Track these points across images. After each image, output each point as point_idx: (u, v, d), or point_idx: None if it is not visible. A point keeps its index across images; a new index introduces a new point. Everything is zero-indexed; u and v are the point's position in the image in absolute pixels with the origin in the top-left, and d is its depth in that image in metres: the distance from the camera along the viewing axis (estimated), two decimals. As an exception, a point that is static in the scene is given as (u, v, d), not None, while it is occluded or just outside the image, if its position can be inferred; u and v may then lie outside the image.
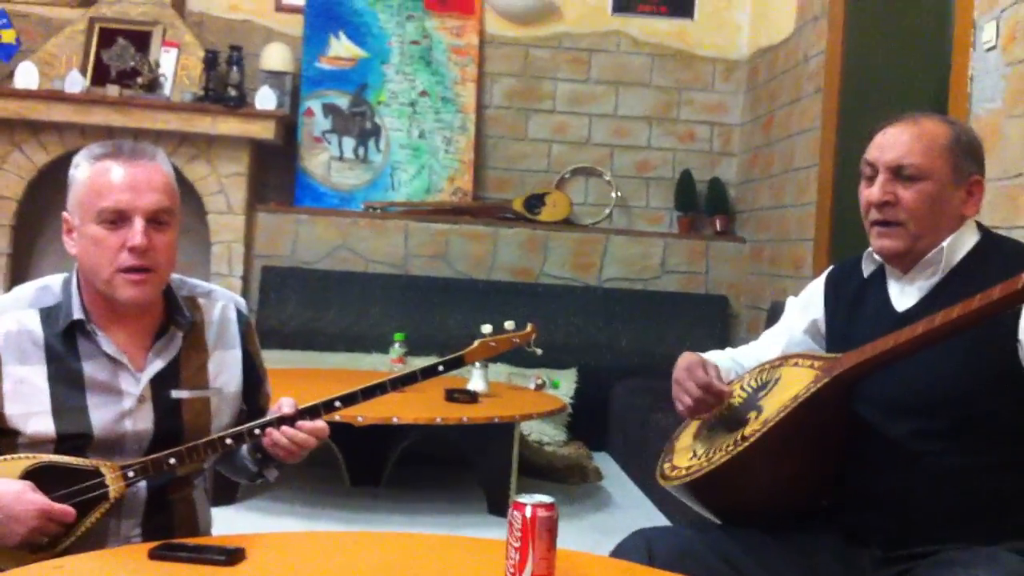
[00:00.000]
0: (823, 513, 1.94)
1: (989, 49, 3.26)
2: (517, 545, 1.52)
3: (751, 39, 5.90)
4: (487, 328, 2.10)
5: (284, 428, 1.78)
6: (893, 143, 1.86)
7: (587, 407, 4.85)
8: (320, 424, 1.81)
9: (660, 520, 3.71)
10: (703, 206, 5.98)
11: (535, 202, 5.86)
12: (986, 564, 1.68)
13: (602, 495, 4.25)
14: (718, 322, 5.74)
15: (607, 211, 5.95)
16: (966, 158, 1.85)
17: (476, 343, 2.03)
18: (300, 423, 1.79)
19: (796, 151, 5.04)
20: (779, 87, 5.37)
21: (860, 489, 1.87)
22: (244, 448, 1.88)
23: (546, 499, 1.55)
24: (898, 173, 1.84)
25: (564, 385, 4.83)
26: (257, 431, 1.79)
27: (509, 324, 2.13)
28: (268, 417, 1.81)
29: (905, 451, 1.81)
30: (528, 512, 1.52)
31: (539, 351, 2.13)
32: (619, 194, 5.97)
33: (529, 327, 2.18)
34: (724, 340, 5.40)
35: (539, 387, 4.32)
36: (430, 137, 5.82)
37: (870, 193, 1.88)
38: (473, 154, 5.83)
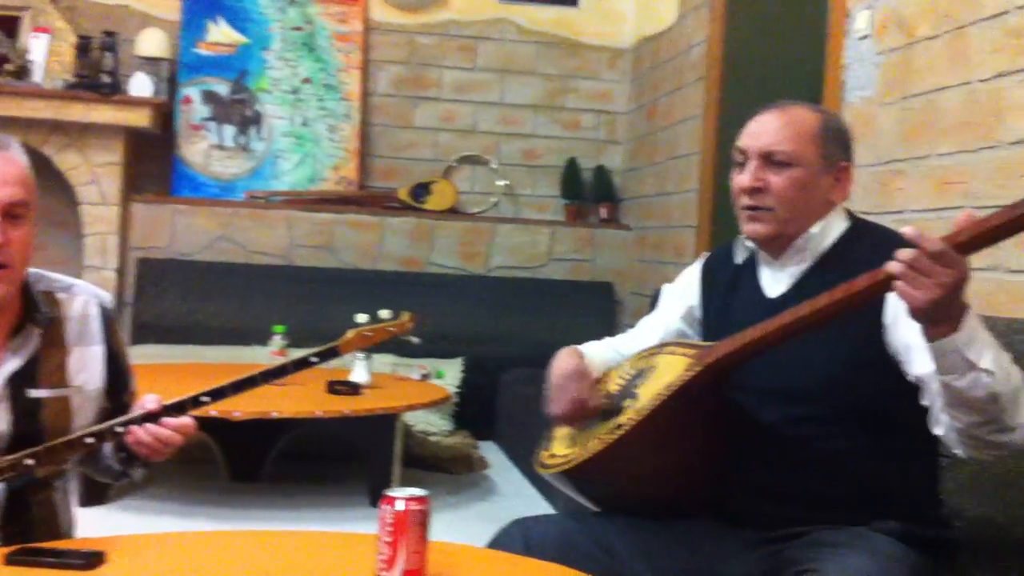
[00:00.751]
0: (699, 498, 1.95)
1: (862, 38, 3.33)
2: (388, 540, 1.48)
3: (636, 28, 5.94)
4: (362, 318, 2.05)
5: (148, 425, 1.71)
6: (763, 130, 1.88)
7: (474, 396, 4.83)
8: (186, 420, 1.74)
9: (546, 508, 3.71)
10: (589, 194, 6.01)
11: (422, 191, 5.81)
12: (855, 544, 1.71)
13: (488, 484, 4.23)
14: (604, 309, 5.78)
15: (494, 200, 5.94)
16: (834, 145, 1.88)
17: (350, 333, 1.98)
18: (165, 420, 1.72)
19: (679, 139, 5.10)
20: (663, 76, 5.42)
21: (735, 474, 1.89)
22: (108, 447, 1.81)
23: (418, 492, 1.52)
24: (768, 159, 1.86)
25: (450, 375, 4.79)
26: (119, 429, 1.72)
27: (385, 313, 2.09)
28: (131, 414, 1.74)
29: (778, 436, 1.83)
30: (399, 506, 1.49)
31: (417, 340, 2.09)
32: (506, 182, 5.96)
33: (405, 316, 2.14)
34: (610, 327, 5.44)
35: (424, 377, 4.28)
36: (314, 125, 5.72)
37: (740, 179, 1.90)
38: (358, 142, 5.74)
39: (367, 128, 5.80)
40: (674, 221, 5.12)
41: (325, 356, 1.90)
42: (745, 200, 1.89)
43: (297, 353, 1.90)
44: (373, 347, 3.85)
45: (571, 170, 5.95)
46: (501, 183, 5.94)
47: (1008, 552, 2.00)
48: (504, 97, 5.96)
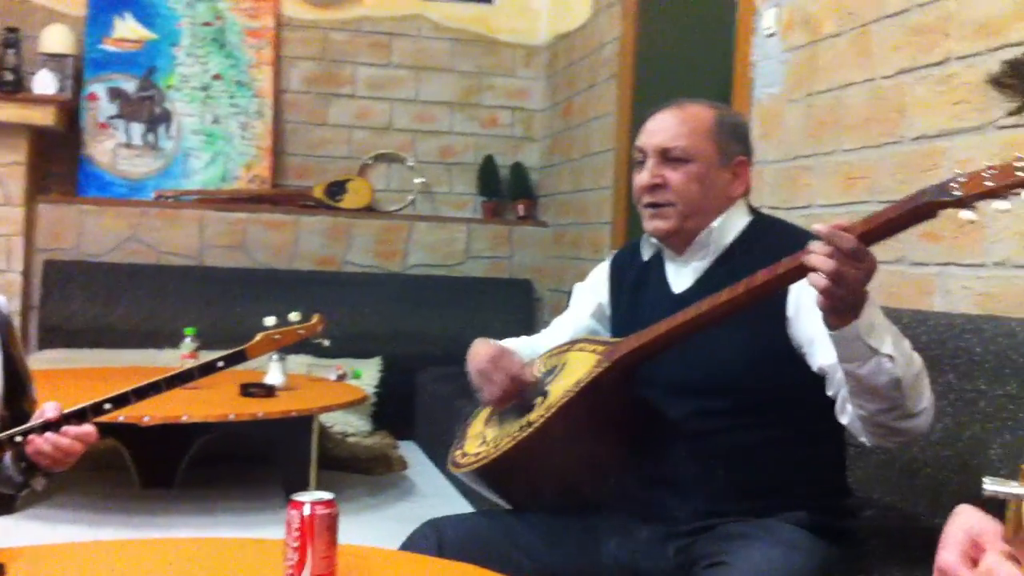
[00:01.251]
0: (611, 492, 1.96)
1: (770, 36, 3.37)
2: (295, 545, 1.46)
3: (550, 25, 5.95)
4: (270, 320, 2.02)
5: (48, 434, 1.66)
6: (660, 128, 1.90)
7: (393, 396, 4.80)
8: (87, 428, 1.69)
9: (466, 508, 3.70)
10: (506, 191, 6.01)
11: (337, 189, 5.75)
12: (763, 535, 1.73)
13: (407, 485, 4.21)
14: (523, 306, 5.79)
15: (410, 197, 5.90)
16: (731, 140, 1.91)
17: (259, 336, 1.95)
18: (65, 428, 1.67)
19: (594, 136, 5.12)
20: (577, 73, 5.43)
21: (645, 468, 1.90)
22: (7, 457, 1.75)
23: (325, 496, 1.51)
24: (665, 156, 1.88)
25: (368, 374, 4.75)
26: (18, 438, 1.66)
27: (295, 316, 2.05)
28: (30, 423, 1.68)
29: (686, 430, 1.85)
30: (306, 510, 1.47)
31: (327, 343, 2.06)
32: (423, 180, 5.93)
33: (315, 318, 2.11)
34: (529, 324, 5.45)
35: (340, 378, 4.24)
36: (225, 123, 5.62)
37: (640, 178, 1.92)
38: (271, 140, 5.66)
39: (280, 125, 5.72)
40: (591, 217, 5.14)
41: (232, 360, 1.87)
42: (646, 198, 1.92)
43: (209, 356, 1.86)
44: (284, 349, 3.80)
45: (488, 167, 5.94)
46: (418, 181, 5.91)
47: (914, 539, 2.04)
48: (420, 94, 5.93)
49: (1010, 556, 0.82)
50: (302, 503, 1.47)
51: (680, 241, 1.93)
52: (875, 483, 2.37)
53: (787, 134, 3.25)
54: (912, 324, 2.39)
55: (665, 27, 4.45)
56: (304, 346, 3.75)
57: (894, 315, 2.46)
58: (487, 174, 5.94)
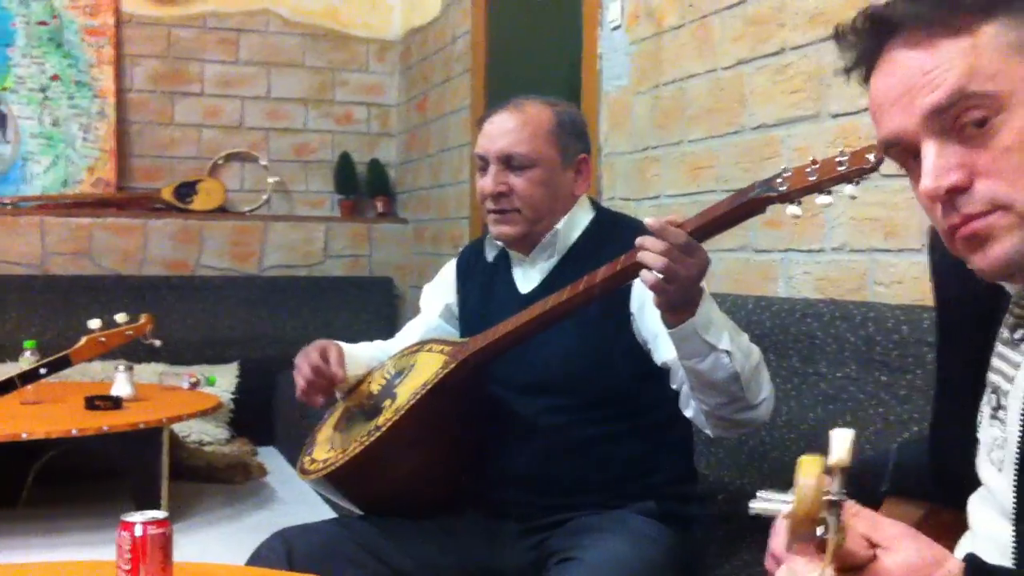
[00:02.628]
0: (464, 492, 1.94)
1: (615, 28, 3.40)
2: (127, 568, 1.40)
3: (403, 19, 5.89)
4: (95, 323, 1.93)
5: None
6: (500, 132, 1.87)
7: (251, 402, 4.69)
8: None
9: (328, 514, 3.63)
10: (364, 188, 5.93)
11: (187, 190, 5.57)
12: (614, 528, 1.74)
13: (267, 492, 4.11)
14: (385, 304, 5.72)
15: (265, 197, 5.76)
16: (571, 139, 1.90)
17: (83, 340, 1.87)
18: None
19: (450, 131, 5.09)
20: (431, 67, 5.39)
21: (498, 467, 1.89)
22: None
23: (158, 515, 1.44)
24: (508, 162, 1.86)
25: (224, 380, 4.62)
26: None
27: (121, 317, 1.97)
28: None
29: (536, 427, 1.84)
30: (137, 531, 1.41)
31: (158, 343, 1.98)
32: (277, 179, 5.80)
33: (144, 318, 2.03)
34: (391, 322, 5.39)
35: (193, 385, 4.10)
36: (65, 125, 5.39)
37: (484, 184, 1.89)
38: (115, 142, 5.44)
39: (124, 126, 5.51)
40: (450, 213, 5.11)
41: (55, 366, 1.79)
42: (490, 204, 1.89)
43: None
44: (129, 357, 3.64)
45: (345, 164, 5.85)
46: (272, 180, 5.77)
47: (763, 522, 2.08)
48: (271, 91, 5.79)
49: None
50: (132, 524, 1.41)
51: (526, 244, 1.92)
52: (725, 467, 2.42)
53: (635, 126, 3.28)
54: (757, 310, 2.44)
55: (515, 20, 4.45)
56: (153, 353, 3.64)
57: (740, 302, 2.51)
58: (344, 171, 5.85)
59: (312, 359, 1.89)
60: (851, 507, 0.85)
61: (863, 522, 0.84)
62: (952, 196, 0.90)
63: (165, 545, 1.42)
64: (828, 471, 0.77)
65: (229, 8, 5.68)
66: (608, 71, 3.45)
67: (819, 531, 0.77)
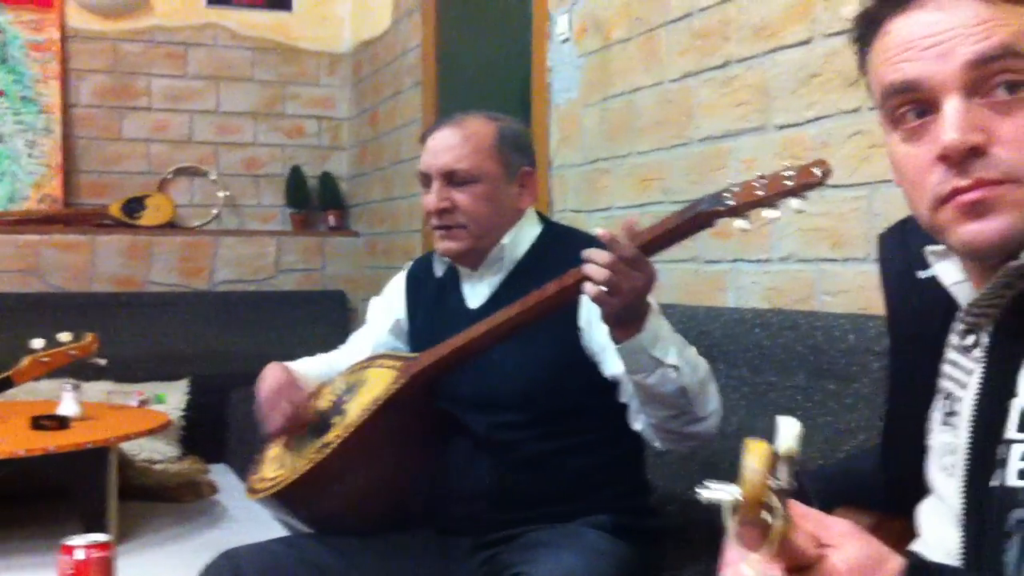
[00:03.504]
0: (414, 509, 1.92)
1: (564, 41, 3.41)
2: (69, 593, 1.36)
3: (353, 32, 5.88)
4: (38, 343, 1.90)
5: None
6: (442, 148, 1.86)
7: (202, 419, 4.62)
8: None
9: (279, 533, 3.58)
10: (316, 202, 5.90)
11: (135, 206, 5.50)
12: (565, 542, 1.73)
13: (218, 511, 4.05)
14: (337, 319, 5.69)
15: (215, 212, 5.71)
16: (514, 152, 1.89)
17: (25, 360, 1.83)
18: None
19: (402, 144, 5.08)
20: (382, 81, 5.38)
21: (449, 483, 1.88)
22: None
23: (101, 537, 1.42)
24: (451, 178, 1.85)
25: (174, 397, 4.56)
26: None
27: (65, 336, 1.94)
28: None
29: (486, 443, 1.84)
30: (78, 555, 1.38)
31: (103, 362, 1.95)
32: (227, 193, 5.74)
33: (89, 337, 2.00)
34: (344, 335, 5.28)
35: (142, 403, 4.05)
36: (10, 141, 5.30)
37: (428, 201, 1.88)
38: (61, 157, 5.37)
39: (70, 142, 5.44)
40: (402, 226, 5.10)
41: (-2, 389, 1.75)
42: (435, 220, 1.89)
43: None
44: (76, 375, 3.58)
45: (296, 178, 5.81)
46: (222, 194, 5.72)
47: (716, 533, 2.08)
48: (220, 105, 5.75)
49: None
50: (73, 548, 1.38)
51: (473, 259, 1.92)
52: (677, 479, 2.42)
53: (585, 138, 3.30)
54: (706, 320, 2.45)
55: (465, 33, 4.46)
56: (101, 371, 3.58)
57: (690, 312, 2.53)
58: (295, 185, 5.81)
59: (287, 405, 1.87)
60: (798, 507, 0.85)
61: (811, 522, 0.83)
62: (968, 157, 0.88)
63: (107, 569, 1.40)
64: (775, 458, 0.76)
65: (176, 22, 5.63)
66: (558, 84, 3.46)
67: (764, 519, 0.75)
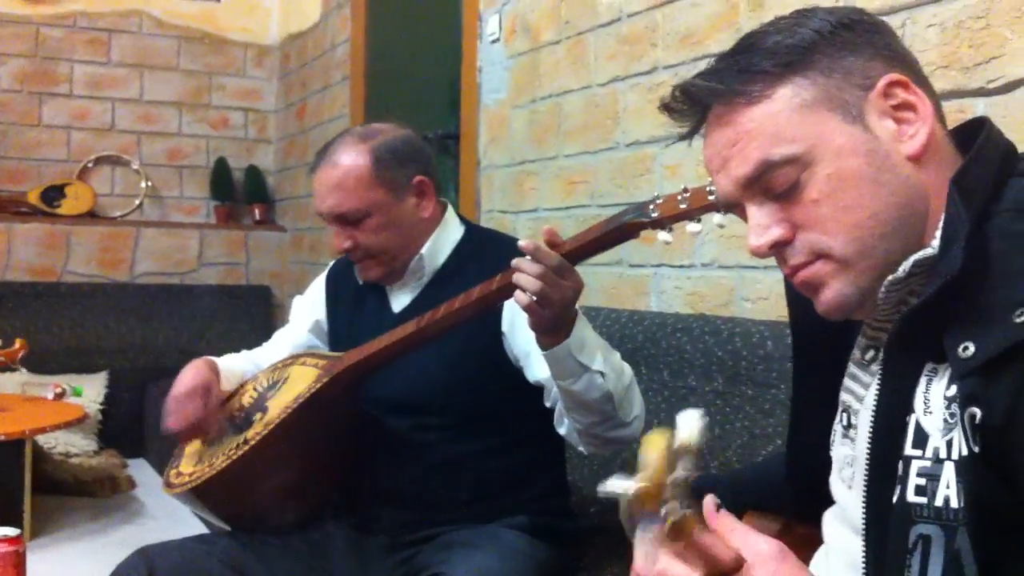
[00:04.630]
0: (333, 508, 1.92)
1: (494, 41, 3.42)
2: (-23, 590, 1.34)
3: (281, 24, 5.81)
4: (-37, 343, 1.86)
5: None
6: (325, 192, 1.85)
7: (120, 413, 4.57)
8: None
9: (199, 529, 3.54)
10: (241, 195, 5.83)
11: (54, 194, 5.38)
12: (483, 543, 1.75)
13: (135, 506, 3.99)
14: (261, 314, 5.63)
15: (137, 202, 5.61)
16: (397, 170, 1.85)
17: (-53, 360, 1.79)
18: None
19: (329, 138, 5.02)
20: (310, 74, 5.34)
21: (368, 483, 1.89)
22: None
23: (11, 532, 1.40)
24: (343, 220, 1.85)
25: (92, 390, 4.49)
26: None
27: (-11, 338, 1.90)
28: None
29: (406, 444, 1.84)
30: (-11, 550, 1.35)
31: (23, 369, 1.92)
32: (149, 184, 5.65)
33: (18, 343, 1.96)
34: (268, 331, 5.23)
35: (59, 396, 3.97)
36: (-76, 123, 5.15)
37: (333, 242, 1.88)
38: (-22, 142, 5.24)
39: (-12, 127, 5.30)
40: (328, 221, 5.05)
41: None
42: (350, 255, 1.89)
43: None
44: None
45: (221, 170, 5.73)
46: (144, 185, 5.62)
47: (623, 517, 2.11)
48: (144, 94, 5.64)
49: (681, 555, 0.85)
50: (-17, 543, 1.35)
51: (393, 278, 1.92)
52: (598, 481, 2.44)
53: (513, 139, 3.31)
54: (629, 324, 2.48)
55: (396, 30, 4.44)
56: (26, 362, 3.51)
57: (613, 315, 2.56)
58: (220, 177, 5.73)
59: (193, 410, 1.84)
60: (727, 521, 0.87)
61: (736, 537, 0.85)
62: (779, 249, 0.96)
63: (18, 563, 1.37)
64: (675, 452, 0.76)
65: (100, 8, 5.51)
66: (487, 84, 3.47)
67: (663, 511, 0.76)
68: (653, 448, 0.75)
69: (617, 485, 0.77)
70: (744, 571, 0.84)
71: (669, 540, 0.78)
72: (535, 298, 1.45)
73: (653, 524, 0.77)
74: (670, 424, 0.79)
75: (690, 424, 0.78)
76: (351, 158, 1.82)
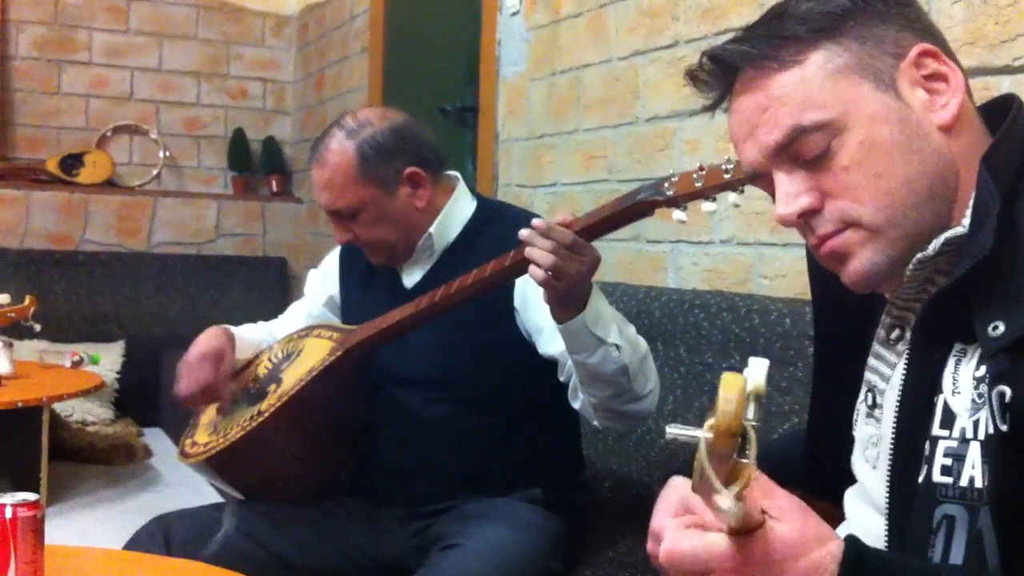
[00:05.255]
0: (347, 480, 1.93)
1: (514, 14, 3.40)
2: (-4, 551, 1.35)
3: (300, -5, 5.80)
4: (-26, 301, 1.87)
5: None
6: (319, 188, 1.86)
7: (137, 381, 4.58)
8: None
9: (213, 497, 3.57)
10: (258, 166, 5.82)
11: (73, 162, 5.39)
12: (497, 515, 1.75)
13: (151, 475, 4.02)
14: (277, 285, 5.64)
15: (155, 171, 5.61)
16: (384, 165, 1.82)
17: (-39, 319, 1.79)
18: None
19: (347, 110, 4.99)
20: (328, 45, 5.32)
21: (382, 457, 1.89)
22: None
23: (30, 497, 1.40)
24: (339, 215, 1.84)
25: (108, 359, 4.50)
26: None
27: (3, 298, 1.91)
28: None
29: (421, 420, 1.84)
30: (7, 513, 1.36)
31: (38, 327, 1.92)
32: (167, 153, 5.65)
33: (28, 300, 1.96)
34: (284, 302, 5.24)
35: (76, 364, 3.98)
36: (-56, 90, 5.17)
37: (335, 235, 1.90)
38: (-3, 110, 5.24)
39: (8, 94, 5.30)
40: (344, 193, 5.04)
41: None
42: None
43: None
44: (9, 334, 3.52)
45: (238, 141, 5.73)
46: (162, 154, 5.63)
47: (647, 509, 2.11)
48: (162, 63, 5.64)
49: (696, 524, 0.83)
50: (2, 506, 1.36)
51: (402, 259, 1.91)
52: (612, 455, 2.44)
53: (531, 113, 3.29)
54: (646, 300, 2.47)
55: (415, 1, 4.42)
56: (29, 331, 3.53)
57: (630, 291, 2.55)
58: (237, 148, 5.73)
59: (205, 375, 1.85)
60: (752, 470, 0.86)
61: (759, 488, 0.83)
62: (807, 218, 0.94)
63: (37, 528, 1.37)
64: (748, 395, 0.74)
65: (119, -25, 5.50)
66: (506, 57, 3.45)
67: (736, 454, 0.73)
68: (732, 387, 0.73)
69: (687, 429, 0.75)
70: (767, 527, 0.81)
71: (744, 484, 0.75)
72: (550, 273, 1.45)
73: (723, 464, 0.75)
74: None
75: (761, 369, 0.76)
76: (337, 154, 1.81)
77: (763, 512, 0.82)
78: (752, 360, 0.76)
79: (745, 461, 0.74)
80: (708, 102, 1.01)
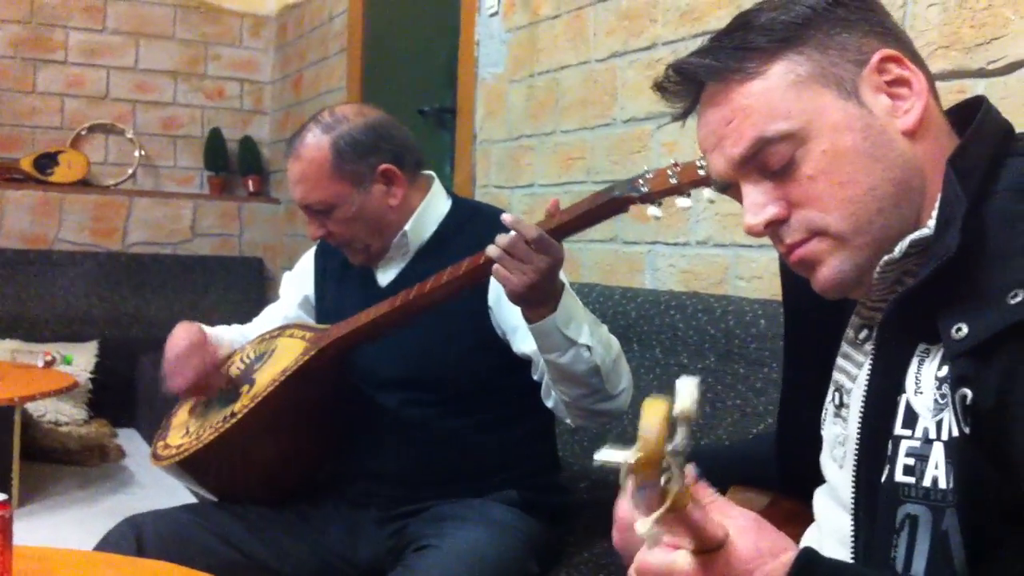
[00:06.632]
0: (322, 481, 1.92)
1: (492, 15, 3.39)
2: (-37, 554, 1.33)
3: (279, -5, 5.77)
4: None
5: None
6: (292, 183, 1.85)
7: (111, 382, 4.55)
8: None
9: (187, 499, 3.54)
10: (236, 166, 5.79)
11: (47, 161, 5.34)
12: (472, 516, 1.75)
13: (124, 475, 3.99)
14: (254, 286, 5.61)
15: (130, 171, 5.57)
16: (358, 162, 1.81)
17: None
18: None
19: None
20: (307, 46, 5.30)
21: (357, 459, 1.88)
22: None
23: (-2, 497, 1.38)
24: (312, 211, 1.83)
25: (81, 360, 4.47)
26: None
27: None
28: None
29: (397, 421, 1.84)
30: (-26, 515, 1.34)
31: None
32: (143, 153, 5.61)
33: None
34: (261, 303, 5.21)
35: (49, 364, 3.95)
36: (-84, 88, 5.11)
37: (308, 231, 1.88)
38: (-29, 108, 5.19)
39: (-18, 93, 5.26)
40: (322, 194, 5.02)
41: None
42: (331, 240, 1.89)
43: None
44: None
45: (215, 141, 5.70)
46: (138, 154, 5.59)
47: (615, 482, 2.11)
48: (139, 62, 5.60)
49: (668, 543, 0.85)
50: (-31, 508, 1.34)
51: (377, 258, 1.90)
52: (588, 456, 2.44)
53: (510, 114, 3.29)
54: (623, 301, 2.47)
55: (393, 2, 4.41)
56: (7, 329, 3.50)
57: (607, 292, 2.55)
58: (214, 148, 5.69)
59: (196, 364, 1.84)
60: (706, 493, 0.86)
61: (716, 509, 0.85)
62: (775, 228, 0.95)
63: (4, 528, 1.36)
64: (673, 421, 0.73)
65: (96, -26, 5.46)
66: (484, 58, 3.45)
67: (663, 480, 0.74)
68: (654, 413, 0.73)
69: (615, 454, 0.75)
70: (727, 545, 0.84)
71: (665, 510, 0.76)
72: (507, 271, 1.45)
73: (649, 492, 0.75)
74: (668, 392, 0.76)
75: (689, 391, 0.75)
76: (312, 150, 1.80)
77: (725, 531, 0.84)
78: (679, 382, 0.76)
79: (673, 487, 0.74)
80: (678, 111, 1.01)
